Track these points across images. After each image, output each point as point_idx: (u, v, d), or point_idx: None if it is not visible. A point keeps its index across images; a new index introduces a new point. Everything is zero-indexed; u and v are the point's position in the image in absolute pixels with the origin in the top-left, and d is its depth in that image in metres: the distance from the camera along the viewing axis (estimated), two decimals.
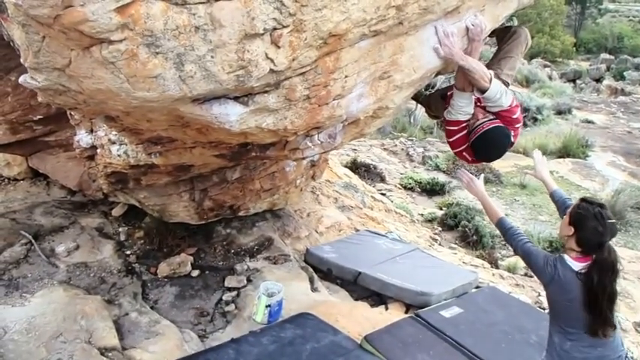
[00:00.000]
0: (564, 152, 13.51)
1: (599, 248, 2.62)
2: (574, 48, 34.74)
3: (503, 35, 4.00)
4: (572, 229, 2.68)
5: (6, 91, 4.73)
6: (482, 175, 3.44)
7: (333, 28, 2.35)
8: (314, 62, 2.47)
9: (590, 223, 2.62)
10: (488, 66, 3.93)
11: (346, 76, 2.70)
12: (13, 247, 4.65)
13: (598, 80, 27.50)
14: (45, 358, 3.41)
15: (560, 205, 3.23)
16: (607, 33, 37.77)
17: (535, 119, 16.81)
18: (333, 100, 2.75)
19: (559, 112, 18.98)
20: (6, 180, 5.87)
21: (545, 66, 28.87)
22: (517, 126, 3.45)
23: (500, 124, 3.35)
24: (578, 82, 27.72)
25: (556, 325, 2.81)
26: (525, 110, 16.72)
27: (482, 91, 3.21)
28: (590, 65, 30.61)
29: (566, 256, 2.70)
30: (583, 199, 2.75)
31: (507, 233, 2.96)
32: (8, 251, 4.59)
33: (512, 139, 3.46)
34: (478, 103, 3.44)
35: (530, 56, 30.43)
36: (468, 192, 3.32)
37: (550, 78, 26.02)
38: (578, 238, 2.66)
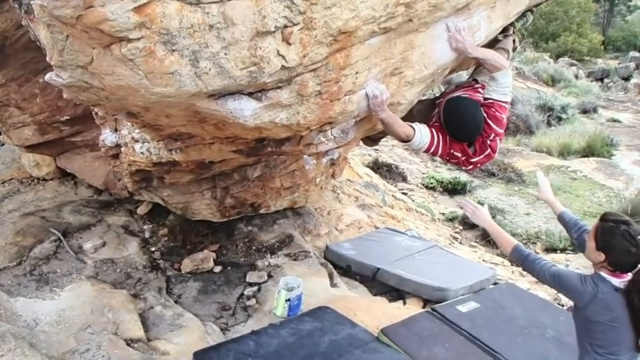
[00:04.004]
0: (588, 151, 13.22)
1: (635, 267, 2.50)
2: (602, 46, 34.06)
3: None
4: (603, 255, 2.53)
5: (34, 92, 4.91)
6: (486, 205, 3.21)
7: (343, 25, 2.42)
8: (325, 59, 2.53)
9: (620, 246, 2.48)
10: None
11: (357, 73, 2.76)
12: (43, 243, 4.82)
13: (627, 79, 26.93)
14: (74, 348, 3.52)
15: (572, 226, 3.09)
16: (636, 30, 36.89)
17: (559, 118, 16.50)
18: (345, 95, 2.82)
19: (584, 111, 18.63)
20: (35, 180, 6.06)
21: (572, 65, 28.36)
22: (498, 129, 3.42)
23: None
24: (605, 80, 27.21)
25: (592, 353, 2.62)
26: (549, 109, 16.55)
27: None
28: (619, 64, 29.98)
29: (603, 274, 2.56)
30: (604, 219, 2.59)
31: (527, 260, 2.75)
32: (38, 248, 4.76)
33: (484, 125, 3.37)
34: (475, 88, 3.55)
35: (557, 55, 29.97)
36: (474, 221, 3.12)
37: (576, 77, 25.55)
38: (611, 262, 2.52)
